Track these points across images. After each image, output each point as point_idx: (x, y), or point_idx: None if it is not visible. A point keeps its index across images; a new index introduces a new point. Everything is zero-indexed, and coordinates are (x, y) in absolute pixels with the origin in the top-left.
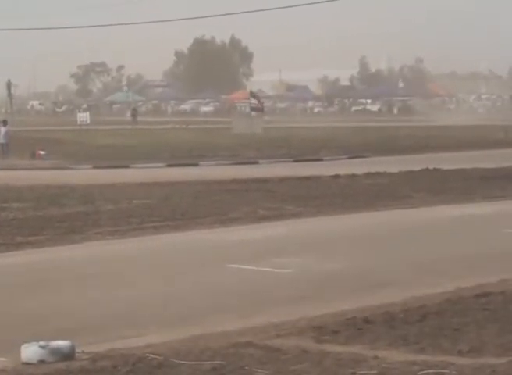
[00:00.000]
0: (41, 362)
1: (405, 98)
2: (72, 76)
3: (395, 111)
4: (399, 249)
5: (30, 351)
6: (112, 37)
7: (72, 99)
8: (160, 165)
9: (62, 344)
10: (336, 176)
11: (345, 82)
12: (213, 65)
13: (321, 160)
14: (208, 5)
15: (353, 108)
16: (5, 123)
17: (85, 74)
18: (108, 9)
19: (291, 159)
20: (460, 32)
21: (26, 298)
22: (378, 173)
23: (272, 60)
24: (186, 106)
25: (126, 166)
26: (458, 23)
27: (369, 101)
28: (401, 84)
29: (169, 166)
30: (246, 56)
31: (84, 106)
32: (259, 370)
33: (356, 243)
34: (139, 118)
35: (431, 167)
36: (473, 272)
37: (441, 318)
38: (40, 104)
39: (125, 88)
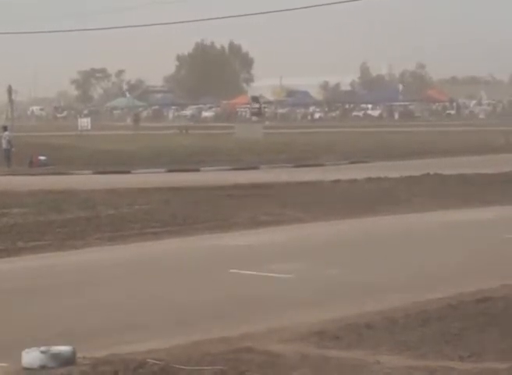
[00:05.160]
0: (42, 367)
1: (406, 103)
2: (73, 81)
3: (396, 116)
4: (399, 254)
5: (31, 357)
6: (112, 41)
7: (72, 105)
8: (161, 170)
9: (63, 349)
10: (337, 182)
11: (346, 87)
12: (214, 70)
13: (322, 165)
14: (208, 10)
15: (354, 114)
16: (5, 128)
17: (85, 80)
18: (109, 14)
19: (292, 164)
20: (461, 37)
21: (27, 303)
22: (378, 178)
23: (272, 65)
24: (187, 112)
25: (127, 172)
26: (459, 28)
27: (370, 106)
28: (402, 89)
29: (170, 171)
30: (246, 61)
31: (85, 112)
32: None
33: (356, 248)
34: (140, 123)
35: (431, 172)
36: (473, 277)
37: (442, 323)
38: (40, 109)
39: (127, 94)
